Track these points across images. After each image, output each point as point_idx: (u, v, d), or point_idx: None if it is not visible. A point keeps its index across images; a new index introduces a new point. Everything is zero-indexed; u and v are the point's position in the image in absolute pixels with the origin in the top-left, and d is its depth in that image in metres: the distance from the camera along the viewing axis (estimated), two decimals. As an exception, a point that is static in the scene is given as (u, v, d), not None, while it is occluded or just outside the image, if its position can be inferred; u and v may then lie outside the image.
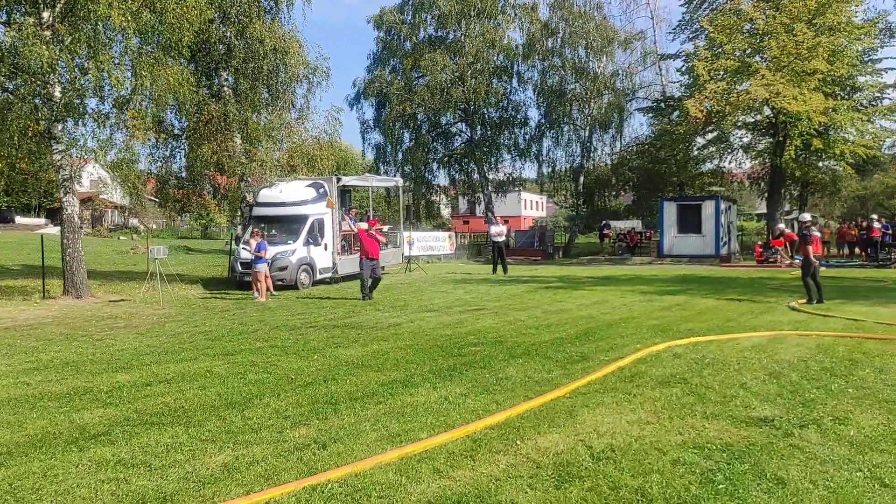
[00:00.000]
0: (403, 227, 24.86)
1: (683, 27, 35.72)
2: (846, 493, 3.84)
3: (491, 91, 36.31)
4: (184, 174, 21.11)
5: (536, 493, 3.89)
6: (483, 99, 36.19)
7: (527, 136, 39.05)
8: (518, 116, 38.72)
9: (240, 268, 17.66)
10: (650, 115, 39.09)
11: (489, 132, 38.45)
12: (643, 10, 40.63)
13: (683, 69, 34.30)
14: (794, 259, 23.07)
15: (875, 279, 18.99)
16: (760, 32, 29.12)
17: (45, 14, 14.37)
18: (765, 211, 38.01)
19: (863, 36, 29.65)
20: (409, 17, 37.24)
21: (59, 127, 15.16)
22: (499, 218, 26.99)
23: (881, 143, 31.86)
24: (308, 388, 6.56)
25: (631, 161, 39.67)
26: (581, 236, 46.14)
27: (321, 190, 18.93)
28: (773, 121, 29.70)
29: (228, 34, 19.49)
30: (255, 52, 18.95)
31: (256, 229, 16.48)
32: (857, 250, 29.63)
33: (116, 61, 14.87)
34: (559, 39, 37.17)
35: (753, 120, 31.58)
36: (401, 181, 26.91)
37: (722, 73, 28.97)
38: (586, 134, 38.71)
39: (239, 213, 22.21)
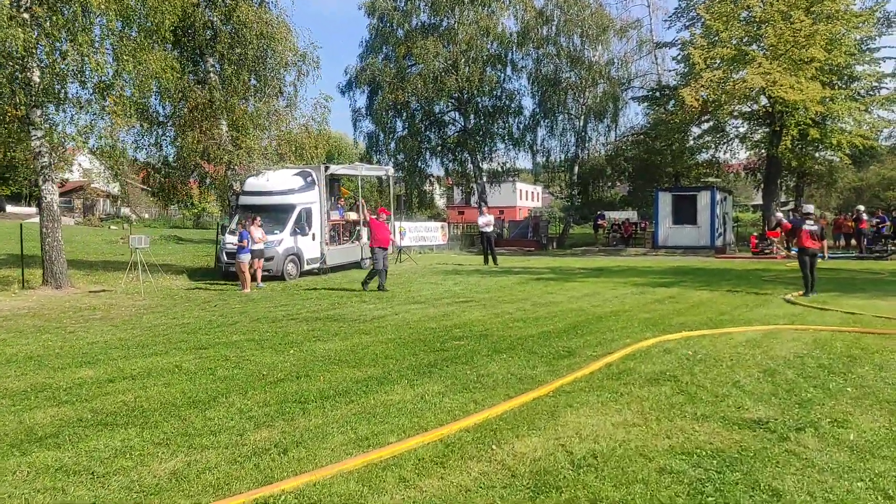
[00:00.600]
0: (394, 217, 24.46)
1: (680, 15, 35.25)
2: (846, 506, 3.51)
3: (485, 79, 35.79)
4: (171, 162, 20.63)
5: (509, 505, 3.56)
6: (477, 87, 35.68)
7: (521, 126, 38.61)
8: (512, 105, 38.26)
9: (225, 258, 17.30)
10: (646, 104, 38.82)
11: (483, 121, 37.92)
12: (639, -2, 40.25)
13: (679, 57, 33.93)
14: (790, 251, 22.82)
15: (872, 271, 18.70)
16: (757, 20, 28.69)
17: (22, -4, 13.90)
18: (760, 202, 37.70)
19: (861, 24, 29.18)
20: (402, 4, 36.66)
21: (38, 112, 14.73)
22: (487, 208, 26.51)
23: (878, 133, 31.55)
24: (278, 385, 6.22)
25: (626, 151, 39.38)
26: (576, 227, 45.81)
27: (308, 179, 18.54)
28: (770, 110, 29.34)
29: (214, 18, 19.03)
30: (242, 37, 18.54)
31: (248, 219, 16.09)
32: (853, 242, 29.34)
33: (97, 45, 14.45)
34: (554, 27, 36.63)
35: (750, 109, 31.21)
36: (391, 170, 26.47)
37: (718, 61, 28.58)
38: (581, 123, 38.25)
39: (226, 202, 21.75)
